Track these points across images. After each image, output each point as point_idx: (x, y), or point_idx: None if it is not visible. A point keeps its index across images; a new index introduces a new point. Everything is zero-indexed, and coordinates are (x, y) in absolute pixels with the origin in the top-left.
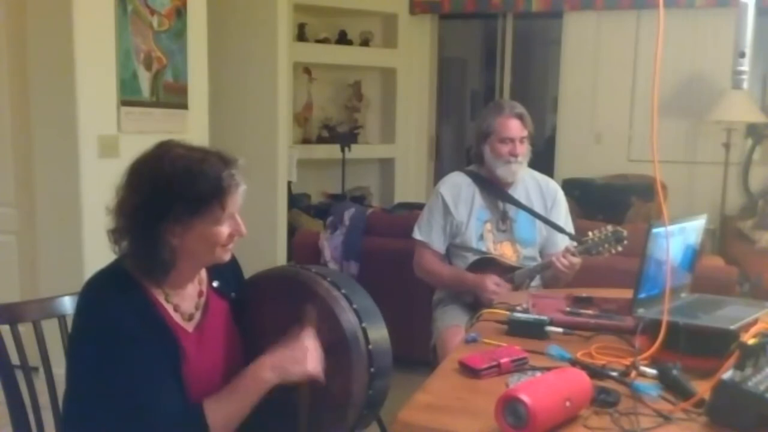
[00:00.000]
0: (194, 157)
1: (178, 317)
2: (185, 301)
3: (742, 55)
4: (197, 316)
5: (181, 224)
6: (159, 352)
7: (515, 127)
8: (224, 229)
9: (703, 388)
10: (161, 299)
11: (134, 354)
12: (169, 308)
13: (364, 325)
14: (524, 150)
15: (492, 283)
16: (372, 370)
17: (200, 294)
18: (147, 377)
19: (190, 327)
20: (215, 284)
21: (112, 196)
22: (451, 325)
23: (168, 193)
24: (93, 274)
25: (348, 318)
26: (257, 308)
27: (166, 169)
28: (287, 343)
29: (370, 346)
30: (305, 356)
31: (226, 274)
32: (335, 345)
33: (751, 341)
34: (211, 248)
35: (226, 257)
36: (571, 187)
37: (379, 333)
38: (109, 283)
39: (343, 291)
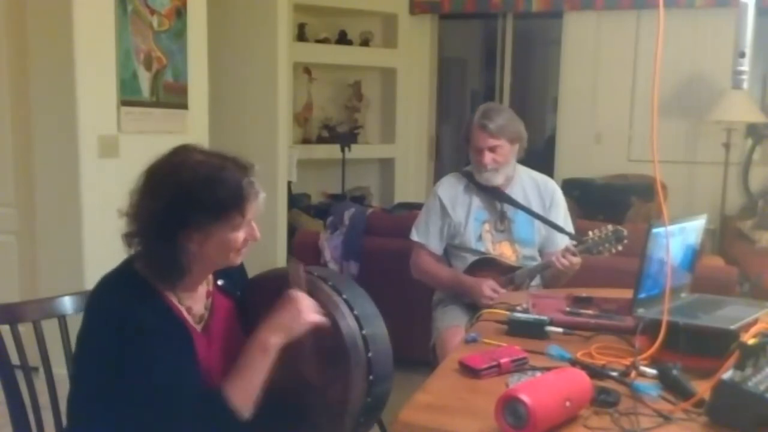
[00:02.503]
0: (214, 164)
1: (190, 319)
2: (196, 303)
3: (742, 55)
4: (205, 316)
5: (201, 231)
6: (178, 346)
7: (480, 138)
8: (240, 235)
9: (703, 388)
10: (174, 301)
11: (155, 348)
12: (183, 310)
13: (364, 332)
14: (497, 157)
15: (489, 288)
16: (371, 377)
17: (208, 294)
18: (169, 369)
19: (199, 328)
20: (220, 282)
21: (126, 199)
22: (451, 326)
23: (189, 201)
24: (104, 275)
25: (348, 324)
26: (257, 310)
27: (187, 176)
28: (278, 307)
29: (369, 354)
30: (300, 309)
31: (234, 274)
32: (334, 352)
33: (751, 341)
34: (227, 253)
35: (239, 261)
36: (571, 187)
37: (380, 339)
38: (124, 284)
39: (344, 296)
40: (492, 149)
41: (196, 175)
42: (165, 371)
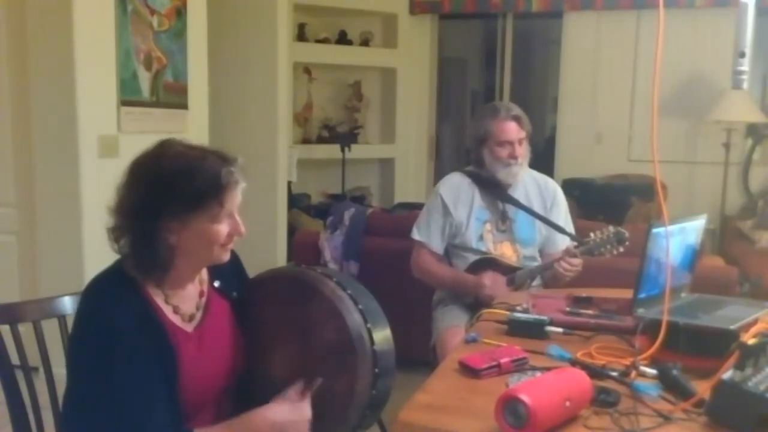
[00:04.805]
0: (193, 154)
1: (177, 319)
2: (185, 301)
3: (742, 55)
4: (198, 316)
5: (179, 221)
6: (155, 366)
7: (512, 130)
8: (223, 228)
9: (703, 388)
10: (160, 301)
11: (129, 367)
12: (168, 310)
13: (369, 325)
14: (523, 151)
15: (487, 278)
16: (376, 370)
17: (201, 294)
18: (139, 393)
19: (189, 327)
20: (216, 284)
21: (113, 195)
22: (451, 326)
23: (166, 190)
24: (94, 277)
25: (353, 318)
26: (261, 308)
27: (165, 166)
28: (291, 404)
29: (374, 347)
30: (304, 427)
31: (228, 273)
32: (340, 345)
33: (751, 341)
34: (209, 247)
35: (225, 257)
36: (571, 187)
37: (383, 334)
38: (108, 287)
39: (348, 291)
40: (520, 142)
41: (173, 165)
42: (135, 396)
